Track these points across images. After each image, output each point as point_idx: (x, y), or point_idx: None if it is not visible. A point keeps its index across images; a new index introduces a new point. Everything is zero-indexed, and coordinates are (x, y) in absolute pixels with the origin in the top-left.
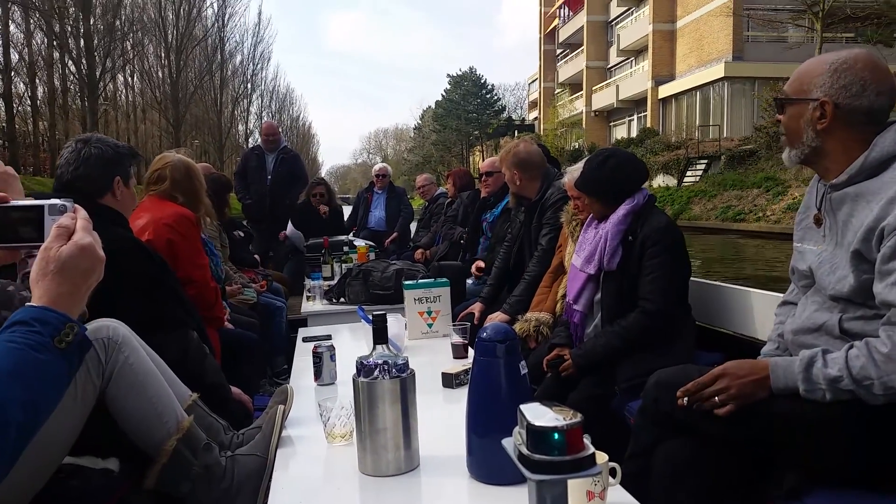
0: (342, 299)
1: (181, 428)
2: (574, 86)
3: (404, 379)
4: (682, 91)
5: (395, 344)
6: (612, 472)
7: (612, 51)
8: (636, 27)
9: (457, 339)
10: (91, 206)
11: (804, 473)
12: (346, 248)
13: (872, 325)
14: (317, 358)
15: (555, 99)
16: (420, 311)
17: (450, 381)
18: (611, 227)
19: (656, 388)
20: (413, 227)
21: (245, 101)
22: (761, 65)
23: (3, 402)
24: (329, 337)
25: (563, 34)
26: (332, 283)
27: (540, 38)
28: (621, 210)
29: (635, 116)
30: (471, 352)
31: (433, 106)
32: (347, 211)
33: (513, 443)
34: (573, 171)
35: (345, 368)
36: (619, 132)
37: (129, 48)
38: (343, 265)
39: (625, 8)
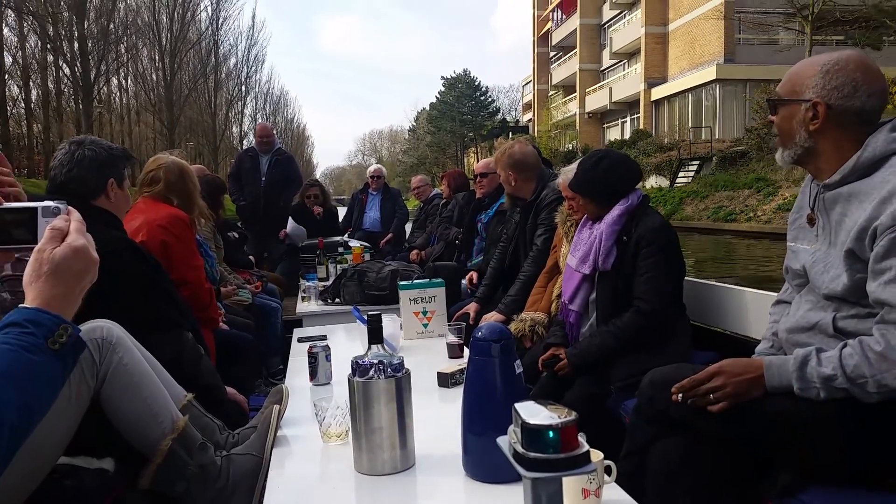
0: (337, 300)
1: (176, 428)
2: (567, 88)
3: (400, 378)
4: (674, 93)
5: (390, 344)
6: (608, 471)
7: (605, 53)
8: (629, 30)
9: (452, 338)
10: (85, 207)
11: (799, 471)
12: (341, 249)
13: (866, 324)
14: (312, 358)
15: (548, 101)
16: (415, 311)
17: (445, 380)
18: (605, 227)
19: (651, 387)
20: (408, 227)
21: (239, 103)
22: (752, 67)
23: None
24: (324, 337)
25: (557, 37)
26: (328, 283)
27: (533, 40)
28: (615, 210)
29: (628, 118)
30: (466, 351)
31: (427, 108)
32: (342, 212)
33: (508, 441)
34: (567, 172)
35: (340, 368)
36: (613, 134)
37: (124, 51)
38: (338, 266)
39: (617, 11)
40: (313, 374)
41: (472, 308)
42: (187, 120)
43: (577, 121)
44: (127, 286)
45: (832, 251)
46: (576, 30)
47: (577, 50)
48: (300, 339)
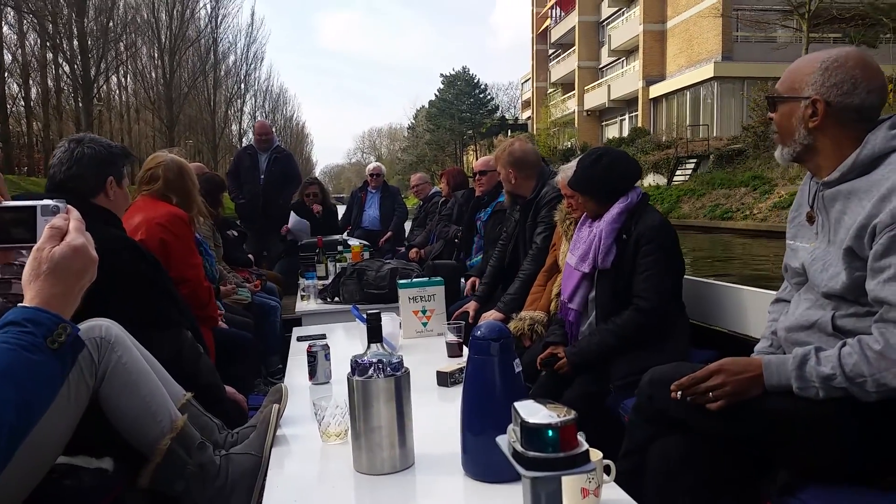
0: (336, 298)
1: (175, 427)
2: (566, 85)
3: (399, 377)
4: (672, 91)
5: (389, 343)
6: (607, 470)
7: (604, 51)
8: (627, 27)
9: (451, 337)
10: (84, 206)
11: (798, 470)
12: (340, 248)
13: (865, 323)
14: (311, 357)
15: (547, 98)
16: (414, 309)
17: (444, 379)
18: (605, 225)
19: (650, 386)
20: (407, 226)
21: (238, 101)
22: (750, 65)
23: None
24: (323, 336)
25: (555, 34)
26: (327, 282)
27: (532, 38)
28: (615, 208)
29: (626, 116)
30: (465, 350)
31: (427, 105)
32: (341, 210)
33: (507, 440)
34: (566, 170)
35: (339, 367)
36: (611, 132)
37: (123, 49)
38: (337, 264)
39: (616, 8)
40: (312, 373)
41: (471, 307)
42: (186, 118)
43: (576, 118)
44: (126, 285)
45: (831, 249)
46: (574, 27)
47: (576, 47)
48: (299, 338)
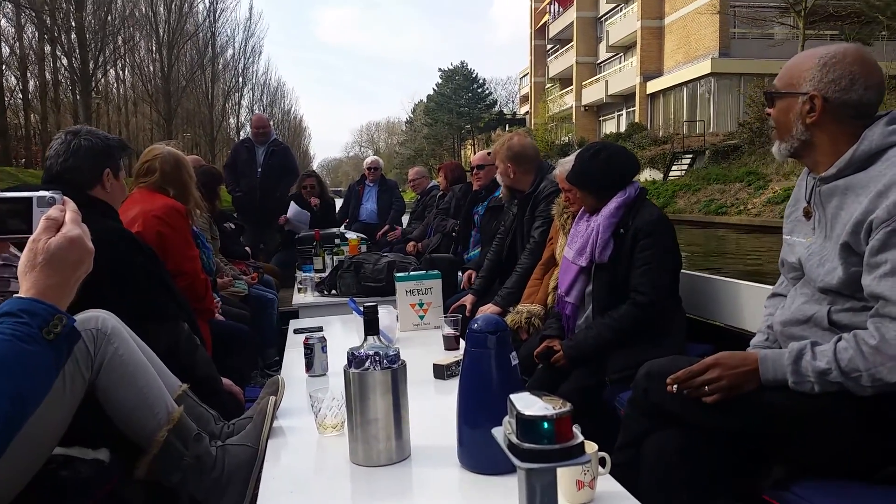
0: (333, 291)
1: (172, 419)
2: (564, 81)
3: (395, 370)
4: (669, 87)
5: (386, 335)
6: (602, 462)
7: (602, 46)
8: (625, 23)
9: (448, 330)
10: (80, 198)
11: (793, 464)
12: (337, 241)
13: (861, 318)
14: (308, 349)
15: (545, 93)
16: (412, 302)
17: (441, 372)
18: (602, 219)
19: (646, 379)
20: (405, 219)
21: (236, 94)
22: (747, 61)
23: None
24: (320, 329)
25: (554, 30)
26: (324, 275)
27: (531, 33)
28: (613, 203)
29: (624, 111)
30: (462, 343)
31: (425, 100)
32: (339, 204)
33: (503, 432)
34: (565, 164)
35: (336, 360)
36: (609, 127)
37: (121, 43)
38: (334, 257)
39: (614, 4)
40: (309, 366)
41: (468, 300)
42: (184, 111)
43: (574, 114)
44: (123, 276)
45: (828, 244)
46: (572, 23)
47: (574, 43)
48: (296, 331)
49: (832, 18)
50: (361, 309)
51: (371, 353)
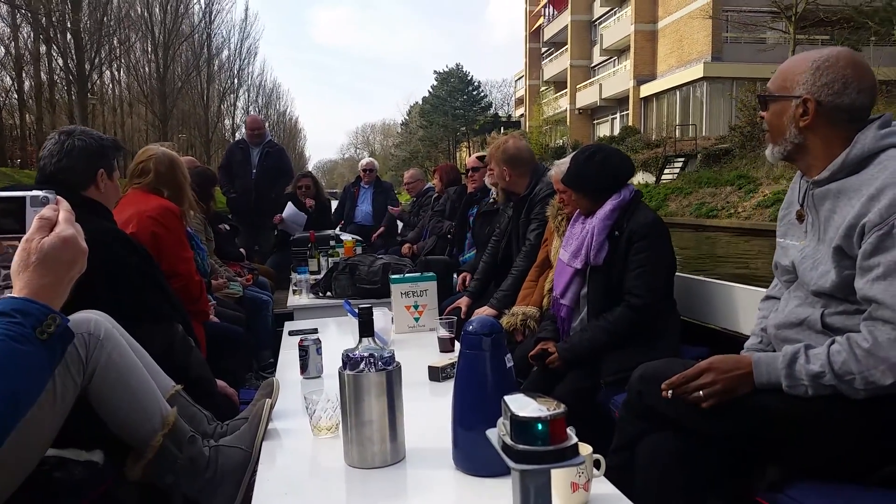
0: (329, 293)
1: (167, 423)
2: (559, 84)
3: (390, 372)
4: (662, 90)
5: (381, 338)
6: (597, 464)
7: (596, 50)
8: (619, 27)
9: (443, 332)
10: (74, 198)
11: (787, 466)
12: (332, 243)
13: (854, 320)
14: (303, 351)
15: (540, 96)
16: (407, 305)
17: (436, 374)
18: (597, 222)
19: (641, 382)
20: (399, 222)
21: (232, 95)
22: (739, 65)
23: None
24: (315, 330)
25: (548, 33)
26: (319, 277)
27: (525, 35)
28: (608, 205)
29: (618, 115)
30: (457, 345)
31: (420, 102)
32: (335, 206)
33: (497, 433)
34: (560, 165)
35: (331, 362)
36: (603, 130)
37: (117, 44)
38: (329, 259)
39: (608, 8)
40: (304, 368)
41: (463, 302)
42: (180, 112)
43: (568, 117)
44: (117, 277)
45: (821, 247)
46: (567, 26)
47: (569, 46)
48: (291, 333)
49: (823, 24)
50: (356, 311)
51: (366, 354)
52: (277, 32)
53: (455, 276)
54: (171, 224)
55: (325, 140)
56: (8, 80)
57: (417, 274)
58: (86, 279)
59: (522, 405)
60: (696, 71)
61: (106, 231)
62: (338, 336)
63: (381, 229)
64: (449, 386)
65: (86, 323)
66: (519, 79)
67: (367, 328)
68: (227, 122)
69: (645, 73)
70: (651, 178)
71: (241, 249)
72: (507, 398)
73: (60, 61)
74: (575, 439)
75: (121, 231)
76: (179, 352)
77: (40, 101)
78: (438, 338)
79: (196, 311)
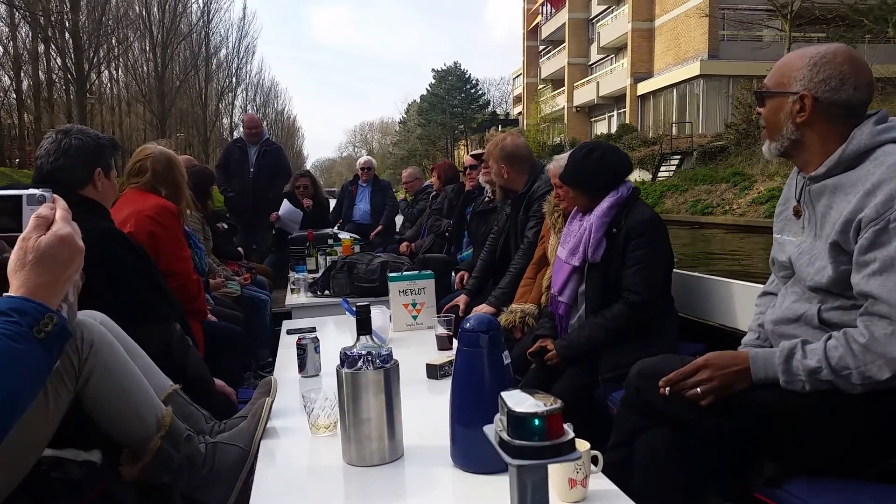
0: (327, 292)
1: (163, 425)
2: (556, 82)
3: (388, 369)
4: (659, 88)
5: (379, 336)
6: (594, 461)
7: (593, 48)
8: (616, 25)
9: (441, 330)
10: (71, 197)
11: (784, 462)
12: (330, 241)
13: (850, 316)
14: (301, 350)
15: (537, 94)
16: (405, 303)
17: (434, 372)
18: (595, 219)
19: (638, 378)
20: (398, 219)
21: (230, 94)
22: (736, 63)
23: None
24: (313, 329)
25: (546, 31)
26: (317, 275)
27: (523, 34)
28: (605, 202)
29: (615, 112)
30: (455, 343)
31: (418, 100)
32: (332, 204)
33: (494, 429)
34: (559, 159)
35: (329, 361)
36: (600, 128)
37: (115, 43)
38: (328, 258)
39: (605, 6)
40: (302, 366)
41: (461, 300)
42: (178, 111)
43: (566, 114)
44: (114, 276)
45: (817, 243)
46: (564, 24)
47: (566, 44)
48: (289, 332)
49: (818, 22)
50: (354, 309)
51: (364, 352)
52: (276, 31)
53: (453, 273)
54: (169, 223)
55: (323, 139)
56: (6, 80)
57: (415, 272)
58: (83, 279)
59: (519, 401)
60: (693, 69)
61: (103, 230)
62: (336, 335)
63: (379, 228)
64: (447, 384)
65: (78, 328)
66: (517, 77)
67: (364, 326)
68: (226, 120)
69: (642, 71)
70: (647, 176)
71: (239, 248)
72: (503, 394)
73: (59, 61)
74: (572, 434)
75: (118, 230)
76: (177, 351)
77: (39, 101)
78: (436, 336)
79: (194, 310)
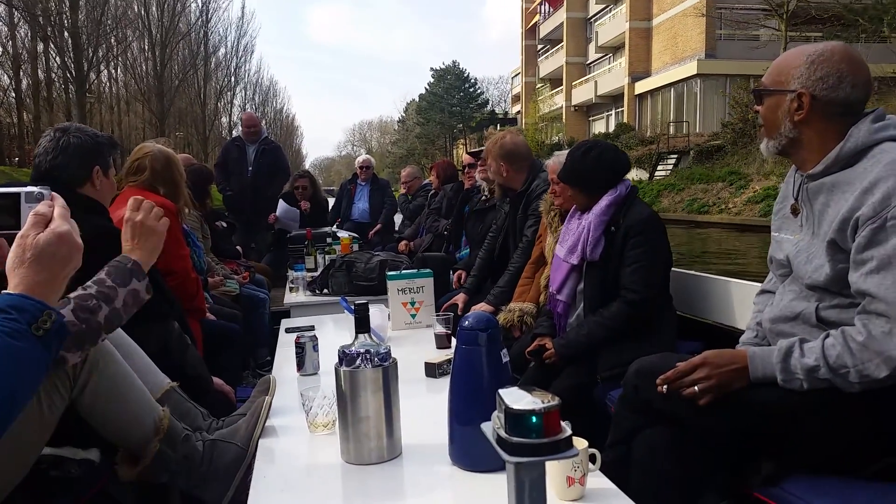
0: (325, 290)
1: (161, 428)
2: (554, 81)
3: (386, 368)
4: (657, 87)
5: (378, 334)
6: (592, 459)
7: (591, 47)
8: (614, 24)
9: (440, 329)
10: (70, 195)
11: (782, 460)
12: (329, 240)
13: (848, 314)
14: (299, 348)
15: (536, 93)
16: (403, 301)
17: (433, 370)
18: (593, 217)
19: (636, 376)
20: (397, 218)
21: (229, 93)
22: (732, 62)
23: None
24: (312, 328)
25: (544, 30)
26: (316, 274)
27: (521, 33)
28: (604, 201)
29: (613, 111)
30: (454, 342)
31: (417, 99)
32: (331, 203)
33: (491, 427)
34: (559, 156)
35: (328, 359)
36: (598, 127)
37: (115, 43)
38: (326, 256)
39: (603, 5)
40: (300, 365)
41: (460, 299)
42: (177, 110)
43: (564, 113)
44: None
45: (815, 241)
46: (562, 23)
47: (564, 43)
48: (288, 330)
49: (814, 21)
50: (353, 307)
51: (362, 350)
52: (274, 30)
53: (452, 273)
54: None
55: (322, 137)
56: (6, 79)
57: (414, 271)
58: (82, 277)
59: (517, 398)
60: (690, 68)
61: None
62: (334, 333)
63: (378, 226)
64: (445, 382)
65: None
66: (515, 76)
67: (363, 324)
68: (224, 119)
69: (640, 71)
70: (645, 175)
71: (238, 247)
72: (501, 391)
73: (58, 60)
74: (569, 432)
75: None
76: (175, 350)
77: (38, 100)
78: (435, 334)
79: (192, 309)
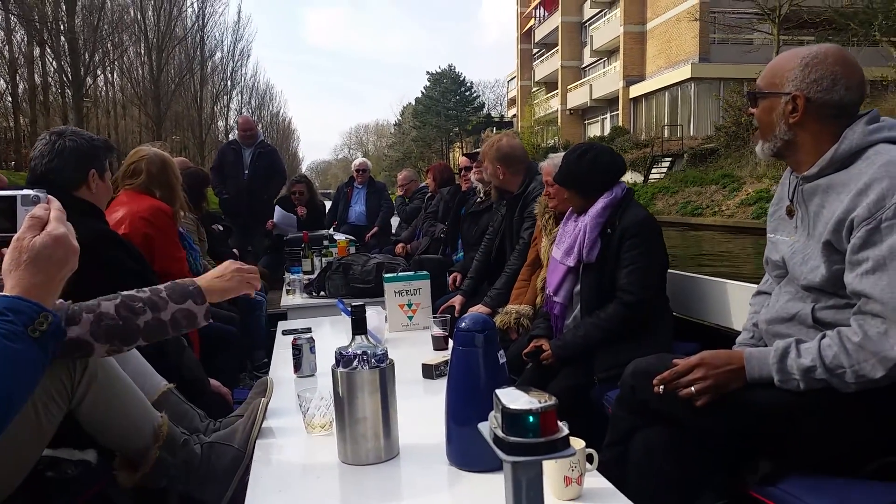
0: (322, 293)
1: (160, 435)
2: (550, 84)
3: (383, 369)
4: (651, 91)
5: (375, 336)
6: (589, 459)
7: (586, 51)
8: (608, 28)
9: (437, 331)
10: (66, 198)
11: (779, 460)
12: (326, 242)
13: (844, 315)
14: (296, 350)
15: (531, 97)
16: (400, 303)
17: (430, 372)
18: (589, 219)
19: (633, 377)
20: (394, 221)
21: (225, 97)
22: (726, 66)
23: None
24: (309, 330)
25: (539, 34)
26: (312, 276)
27: (517, 37)
28: (600, 203)
29: (608, 115)
30: (451, 343)
31: (413, 102)
32: (328, 206)
33: (489, 426)
34: (554, 157)
35: (325, 361)
36: (593, 130)
37: (111, 47)
38: (323, 259)
39: (597, 10)
40: (297, 366)
41: (457, 301)
42: (173, 114)
43: (559, 117)
44: (109, 277)
45: (810, 242)
46: (558, 27)
47: (559, 47)
48: (285, 332)
49: (806, 25)
50: (350, 309)
51: (359, 352)
52: (270, 34)
53: (448, 275)
54: (163, 225)
55: (318, 141)
56: (2, 83)
57: (411, 273)
58: (78, 280)
59: (514, 398)
60: (684, 72)
61: (97, 231)
62: (331, 335)
63: (375, 229)
64: (443, 383)
65: None
66: (511, 79)
67: (359, 326)
68: (221, 123)
69: (634, 74)
70: (639, 178)
71: (235, 250)
72: (498, 391)
73: (55, 64)
74: (566, 431)
75: (113, 232)
76: (172, 352)
77: (34, 104)
78: (432, 336)
79: None
